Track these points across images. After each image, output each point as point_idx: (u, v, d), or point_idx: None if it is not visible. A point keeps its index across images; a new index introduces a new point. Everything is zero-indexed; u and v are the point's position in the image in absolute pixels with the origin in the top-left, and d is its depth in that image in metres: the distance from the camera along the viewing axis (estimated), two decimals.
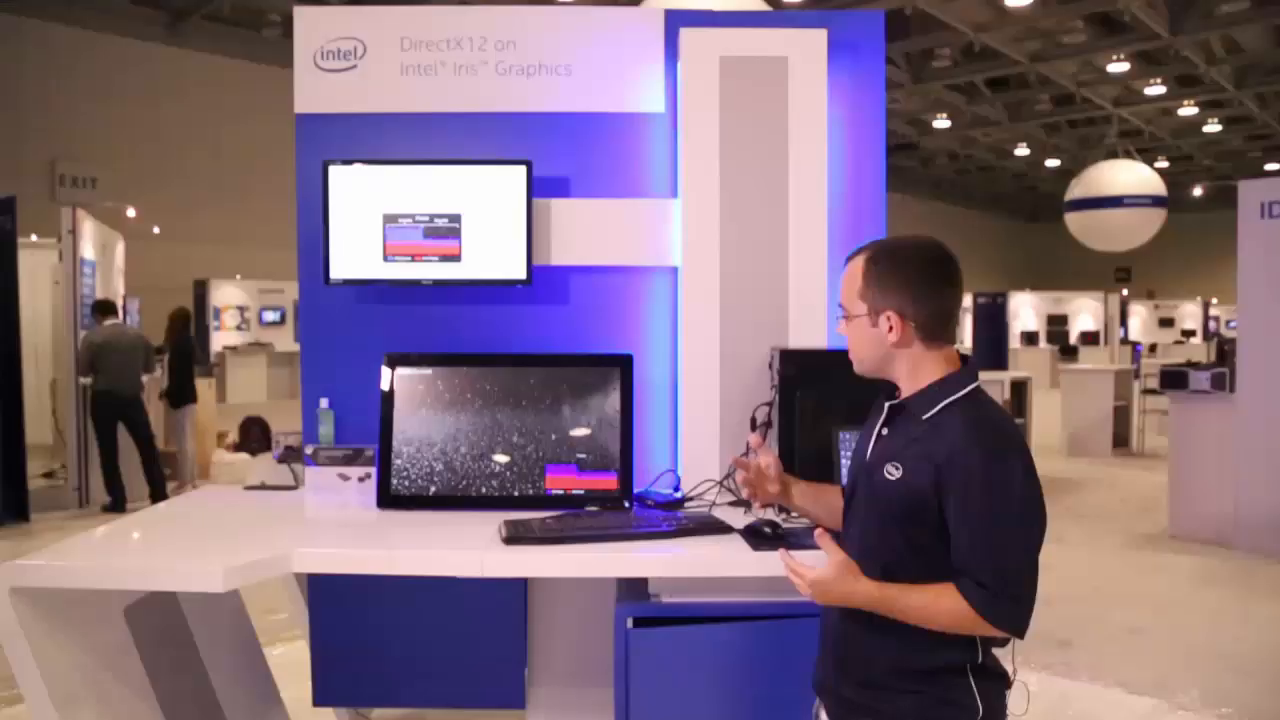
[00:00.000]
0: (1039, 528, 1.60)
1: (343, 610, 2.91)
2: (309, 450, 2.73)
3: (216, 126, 16.25)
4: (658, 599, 2.28)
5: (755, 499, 2.01)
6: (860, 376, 1.79)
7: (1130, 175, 17.01)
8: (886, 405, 1.74)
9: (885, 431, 1.72)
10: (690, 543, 2.23)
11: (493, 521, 2.34)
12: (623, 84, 2.97)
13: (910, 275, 1.67)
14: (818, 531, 1.69)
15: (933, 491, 1.58)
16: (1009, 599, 1.55)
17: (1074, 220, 17.42)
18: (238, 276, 17.41)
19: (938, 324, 1.68)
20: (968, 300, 22.08)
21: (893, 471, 1.64)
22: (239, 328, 17.45)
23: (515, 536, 2.19)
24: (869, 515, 1.70)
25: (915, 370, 1.69)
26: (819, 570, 1.66)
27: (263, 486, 2.91)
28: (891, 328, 1.67)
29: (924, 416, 1.65)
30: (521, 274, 2.87)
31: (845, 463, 2.34)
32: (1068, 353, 21.70)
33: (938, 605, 1.58)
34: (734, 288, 2.85)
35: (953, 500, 1.57)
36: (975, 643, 1.64)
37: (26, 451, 7.56)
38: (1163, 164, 23.81)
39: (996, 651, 1.70)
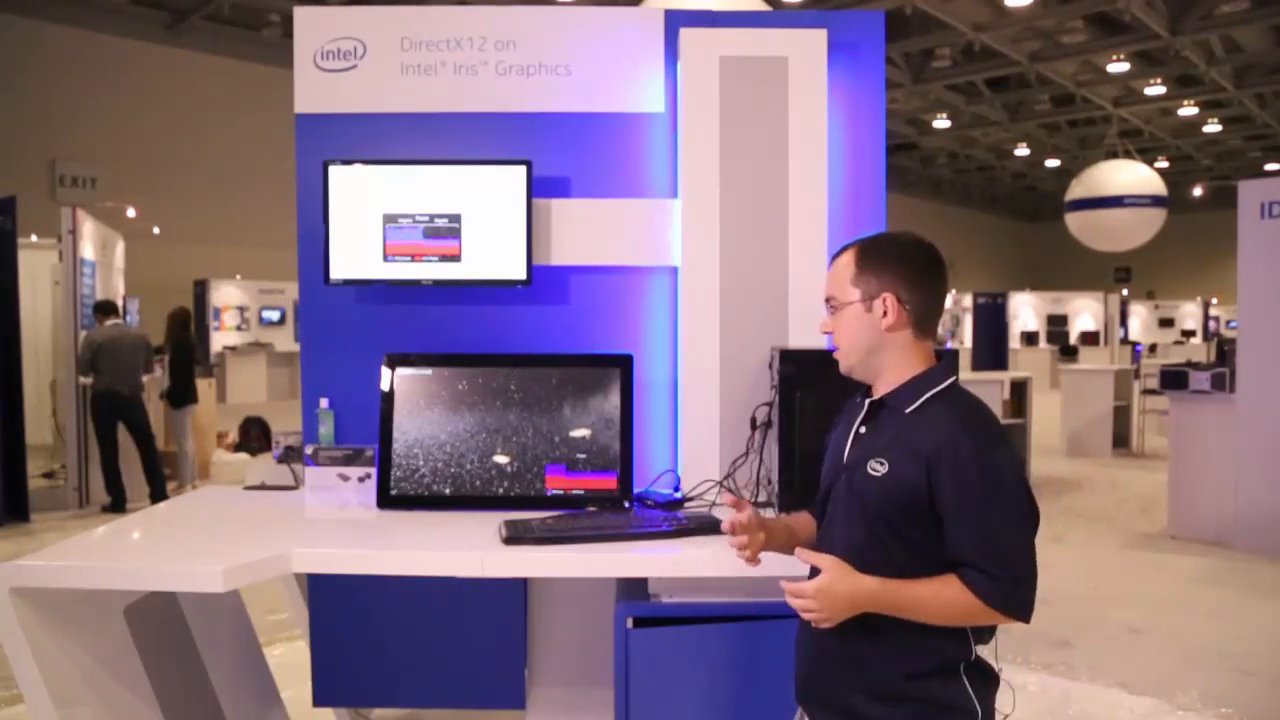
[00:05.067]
0: (1033, 513, 1.61)
1: (343, 610, 2.91)
2: (309, 450, 2.73)
3: (216, 126, 16.26)
4: (658, 599, 2.28)
5: (754, 559, 1.81)
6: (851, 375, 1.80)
7: (1130, 175, 17.04)
8: (866, 402, 1.73)
9: (863, 430, 1.71)
10: (690, 543, 2.23)
11: (493, 521, 2.34)
12: (623, 84, 2.97)
13: (909, 260, 1.70)
14: (797, 549, 1.62)
15: (923, 484, 1.58)
16: (1010, 583, 1.55)
17: (1074, 220, 17.45)
18: (238, 276, 17.42)
19: (930, 315, 1.70)
20: (968, 300, 22.12)
21: (877, 468, 1.62)
22: (239, 328, 17.45)
23: (515, 536, 2.19)
24: (852, 517, 1.66)
25: (900, 362, 1.69)
26: (818, 579, 1.59)
27: (263, 486, 2.91)
28: (886, 311, 1.67)
29: (907, 410, 1.65)
30: (521, 274, 2.87)
31: None
32: (1068, 353, 21.71)
33: (942, 595, 1.57)
34: (734, 288, 2.85)
35: (946, 490, 1.56)
36: (966, 637, 1.64)
37: (26, 451, 7.56)
38: (1163, 164, 23.82)
39: (982, 651, 1.69)
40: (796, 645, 1.80)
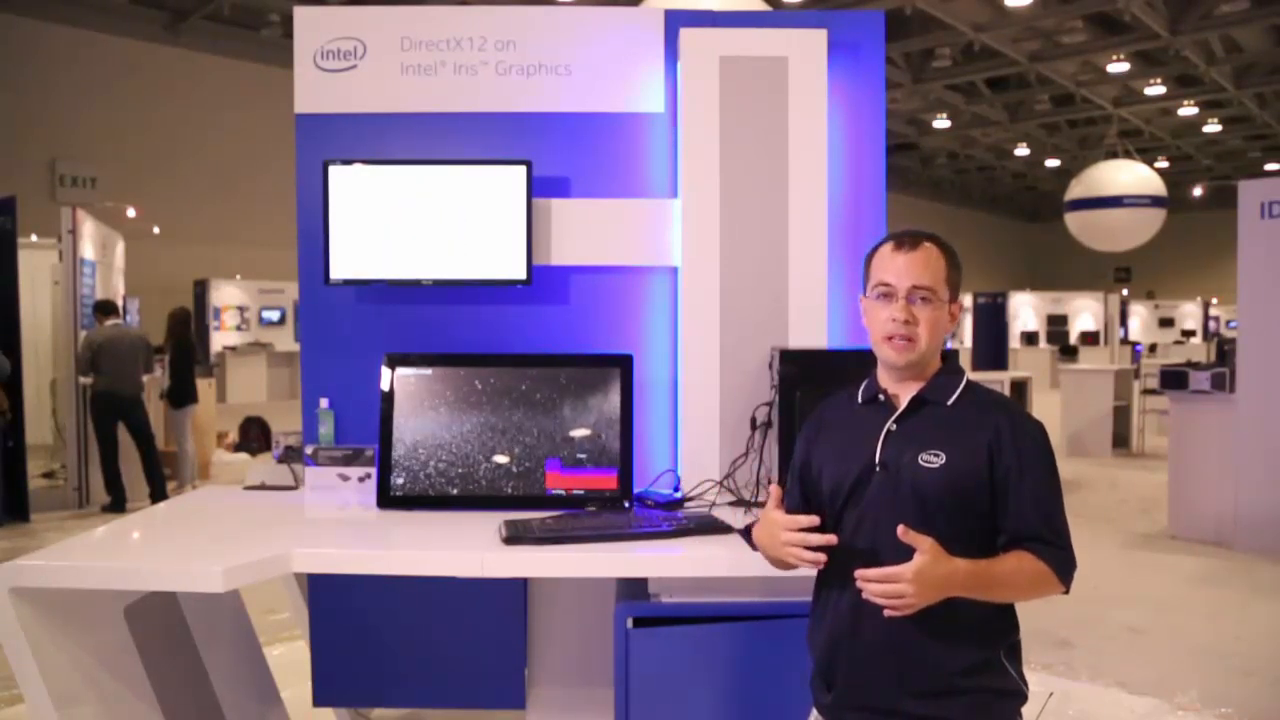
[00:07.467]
0: None
1: (343, 610, 2.91)
2: (309, 450, 2.73)
3: (216, 127, 16.26)
4: (658, 599, 2.28)
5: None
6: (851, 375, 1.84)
7: (1130, 175, 17.04)
8: (906, 399, 1.74)
9: (895, 428, 1.72)
10: (690, 543, 2.23)
11: (493, 521, 2.34)
12: (622, 84, 2.97)
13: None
14: (901, 527, 1.56)
15: (985, 469, 1.65)
16: (1069, 552, 1.66)
17: (1074, 220, 17.45)
18: (238, 276, 17.41)
19: None
20: (968, 300, 22.14)
21: (931, 460, 1.66)
22: (239, 328, 17.44)
23: (515, 536, 2.19)
24: (902, 510, 1.64)
25: (934, 361, 1.77)
26: (915, 562, 1.54)
27: (263, 486, 2.90)
28: (953, 316, 1.76)
29: (948, 403, 1.72)
30: (521, 274, 2.87)
31: None
32: (1068, 353, 21.70)
33: (1022, 569, 1.62)
34: (734, 288, 2.85)
35: (1014, 471, 1.65)
36: (1016, 624, 1.71)
37: (26, 451, 7.55)
38: (1163, 164, 23.82)
39: None
40: (828, 651, 1.75)
